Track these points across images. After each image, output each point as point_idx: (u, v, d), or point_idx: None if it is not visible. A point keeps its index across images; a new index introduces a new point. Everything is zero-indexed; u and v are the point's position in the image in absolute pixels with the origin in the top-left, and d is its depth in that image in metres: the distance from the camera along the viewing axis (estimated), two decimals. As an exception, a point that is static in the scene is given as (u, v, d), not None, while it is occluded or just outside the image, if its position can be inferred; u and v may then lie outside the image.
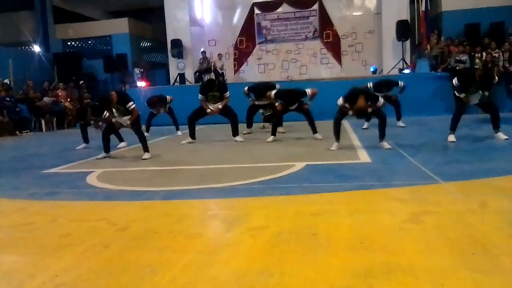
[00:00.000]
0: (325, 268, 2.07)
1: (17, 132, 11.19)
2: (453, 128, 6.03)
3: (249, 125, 8.63)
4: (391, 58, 12.47)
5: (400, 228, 2.58)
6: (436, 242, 2.33)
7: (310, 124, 7.14)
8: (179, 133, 8.74)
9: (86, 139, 7.38)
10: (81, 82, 14.37)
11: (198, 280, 2.02)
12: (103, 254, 2.41)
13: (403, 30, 12.18)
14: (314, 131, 7.09)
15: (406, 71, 11.73)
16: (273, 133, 7.10)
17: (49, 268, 2.24)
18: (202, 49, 14.34)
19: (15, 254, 2.58)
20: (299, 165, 4.70)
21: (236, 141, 7.20)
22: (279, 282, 1.95)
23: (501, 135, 5.99)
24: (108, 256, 2.38)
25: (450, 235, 2.43)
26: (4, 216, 3.39)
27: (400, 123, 8.43)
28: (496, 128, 6.06)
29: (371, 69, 13.19)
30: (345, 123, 8.88)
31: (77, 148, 7.26)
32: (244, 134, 8.05)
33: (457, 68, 10.84)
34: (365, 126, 8.37)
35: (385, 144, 5.66)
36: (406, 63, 12.15)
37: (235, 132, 7.35)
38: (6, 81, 12.76)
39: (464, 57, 11.09)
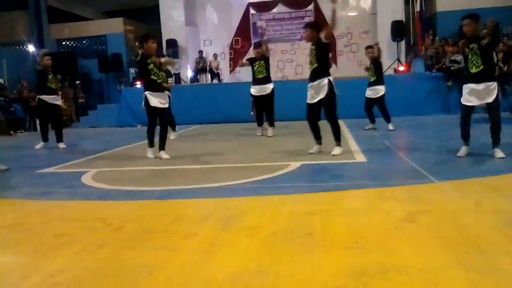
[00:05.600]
0: (320, 268, 2.07)
1: (12, 132, 11.14)
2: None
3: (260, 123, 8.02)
4: (386, 58, 12.42)
5: (395, 228, 2.59)
6: (431, 241, 2.34)
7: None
8: (172, 136, 7.82)
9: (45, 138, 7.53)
10: (77, 82, 14.38)
11: (193, 280, 2.02)
12: (98, 254, 2.41)
13: (398, 30, 12.22)
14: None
15: (401, 68, 11.80)
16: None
17: (43, 269, 2.23)
18: (199, 49, 14.33)
19: (9, 254, 2.56)
20: (294, 165, 4.70)
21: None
22: (274, 281, 1.95)
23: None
24: (103, 256, 2.37)
25: (445, 234, 2.44)
26: (-2, 216, 3.37)
27: (390, 126, 7.74)
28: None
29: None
30: (341, 123, 8.86)
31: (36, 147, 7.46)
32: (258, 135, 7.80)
33: (452, 68, 10.89)
34: (368, 127, 7.99)
35: (498, 152, 4.49)
36: (401, 63, 12.20)
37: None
38: (1, 80, 12.71)
39: (459, 57, 11.12)
